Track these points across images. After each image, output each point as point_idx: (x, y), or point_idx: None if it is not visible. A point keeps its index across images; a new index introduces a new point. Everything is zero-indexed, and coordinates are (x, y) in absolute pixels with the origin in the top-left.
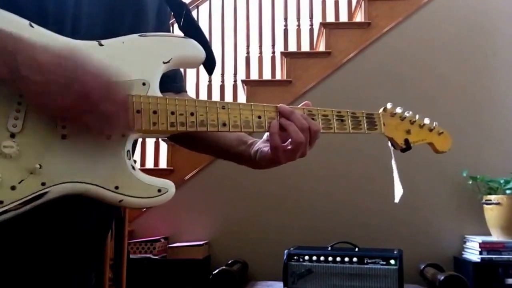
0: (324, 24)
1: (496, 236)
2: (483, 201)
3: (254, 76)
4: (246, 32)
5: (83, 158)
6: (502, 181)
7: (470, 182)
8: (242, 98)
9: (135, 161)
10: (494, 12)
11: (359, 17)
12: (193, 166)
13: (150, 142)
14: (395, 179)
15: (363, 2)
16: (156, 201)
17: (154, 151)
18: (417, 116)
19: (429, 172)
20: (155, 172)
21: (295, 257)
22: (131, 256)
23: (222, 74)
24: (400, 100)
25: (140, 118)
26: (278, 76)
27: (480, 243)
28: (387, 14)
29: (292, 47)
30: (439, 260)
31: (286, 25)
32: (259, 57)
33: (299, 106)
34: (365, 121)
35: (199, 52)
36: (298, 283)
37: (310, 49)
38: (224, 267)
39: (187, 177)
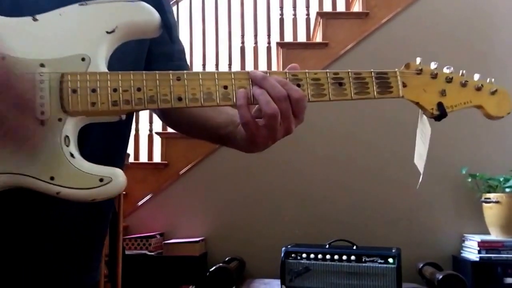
0: (321, 14)
1: (495, 235)
2: (482, 199)
3: (249, 67)
4: (241, 22)
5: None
6: (501, 179)
7: (469, 179)
8: None
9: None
10: (493, 2)
11: (357, 7)
12: (188, 160)
13: (144, 136)
14: (417, 151)
15: None
16: (99, 192)
17: (148, 145)
18: (460, 72)
19: (428, 169)
20: (149, 166)
21: (292, 255)
22: (126, 252)
23: (217, 65)
24: (399, 99)
25: (76, 98)
26: (273, 67)
27: (479, 242)
28: (386, 4)
29: (288, 38)
30: (437, 259)
31: (282, 14)
32: (254, 47)
33: (284, 70)
34: (374, 82)
35: (151, 15)
36: (295, 281)
37: (307, 40)
38: (221, 264)
39: (182, 171)
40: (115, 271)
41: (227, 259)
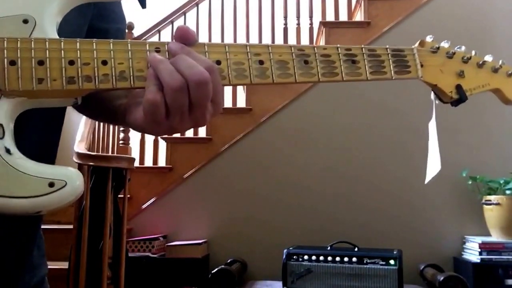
0: (324, 23)
1: (495, 237)
2: (483, 201)
3: None
4: (246, 30)
5: None
6: (502, 182)
7: (470, 182)
8: (242, 97)
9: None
10: (494, 11)
11: (359, 16)
12: (192, 165)
13: (149, 141)
14: (431, 149)
15: (363, 1)
16: (49, 201)
17: (153, 149)
18: (473, 52)
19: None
20: (154, 170)
21: (294, 257)
22: (130, 254)
23: None
24: (400, 99)
25: (16, 73)
26: None
27: (479, 244)
28: (387, 13)
29: None
30: (438, 261)
31: (285, 24)
32: None
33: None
34: (391, 61)
35: None
36: (297, 283)
37: None
38: (223, 266)
39: (186, 175)
40: (118, 273)
41: (229, 261)
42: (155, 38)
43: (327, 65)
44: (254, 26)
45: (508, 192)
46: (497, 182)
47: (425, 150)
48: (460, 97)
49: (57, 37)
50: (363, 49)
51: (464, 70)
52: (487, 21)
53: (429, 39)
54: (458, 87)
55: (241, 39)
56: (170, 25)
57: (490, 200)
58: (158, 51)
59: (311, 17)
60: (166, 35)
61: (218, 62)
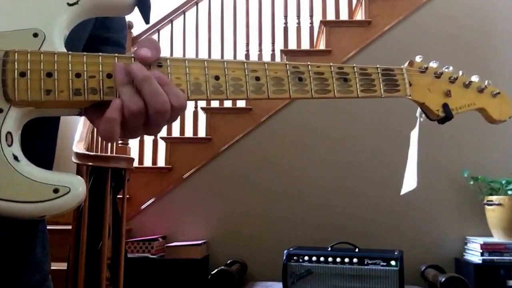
0: (324, 22)
1: (497, 237)
2: (485, 202)
3: None
4: (246, 30)
5: None
6: (503, 182)
7: (472, 182)
8: None
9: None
10: (495, 11)
11: (359, 16)
12: (191, 165)
13: (148, 140)
14: (409, 163)
15: (363, 0)
16: (53, 206)
17: (153, 149)
18: (460, 72)
19: (430, 172)
20: (153, 170)
21: (294, 258)
22: (129, 255)
23: None
24: (400, 100)
25: (26, 84)
26: None
27: (481, 245)
28: (388, 12)
29: (292, 45)
30: (440, 262)
31: (286, 23)
32: (258, 55)
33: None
34: (381, 79)
35: None
36: (297, 284)
37: (310, 47)
38: (222, 267)
39: (185, 175)
40: (117, 274)
41: (228, 261)
42: (154, 37)
43: (320, 83)
44: (254, 25)
45: (510, 192)
46: (499, 183)
47: (427, 151)
48: (447, 115)
49: (65, 50)
50: (355, 68)
51: (451, 89)
52: (487, 21)
53: (418, 59)
54: (445, 106)
55: (241, 39)
56: (170, 24)
57: (492, 201)
58: (160, 66)
59: (311, 16)
60: (165, 34)
61: (217, 78)
